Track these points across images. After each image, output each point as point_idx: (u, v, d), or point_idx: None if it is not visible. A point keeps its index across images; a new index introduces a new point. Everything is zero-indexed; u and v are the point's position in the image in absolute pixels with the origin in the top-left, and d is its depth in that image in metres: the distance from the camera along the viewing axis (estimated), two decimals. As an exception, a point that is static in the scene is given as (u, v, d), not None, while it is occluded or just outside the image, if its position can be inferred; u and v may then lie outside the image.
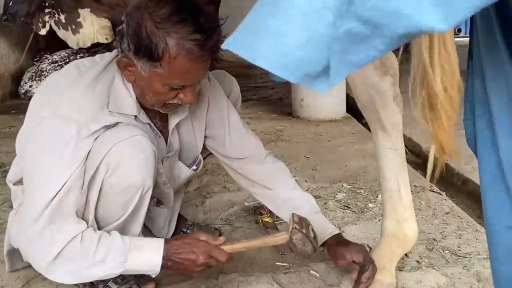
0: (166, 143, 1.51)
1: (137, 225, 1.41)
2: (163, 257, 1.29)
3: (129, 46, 1.25)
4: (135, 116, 1.37)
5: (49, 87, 1.38)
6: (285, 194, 1.59)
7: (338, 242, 1.47)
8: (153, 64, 1.24)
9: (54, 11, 4.25)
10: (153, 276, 1.35)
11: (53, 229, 1.25)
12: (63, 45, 4.54)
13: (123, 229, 1.38)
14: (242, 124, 1.63)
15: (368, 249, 1.69)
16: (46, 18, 4.26)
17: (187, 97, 1.32)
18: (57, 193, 1.24)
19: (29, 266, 1.62)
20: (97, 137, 1.27)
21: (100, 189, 1.29)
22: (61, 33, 4.37)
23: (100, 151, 1.26)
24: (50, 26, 4.28)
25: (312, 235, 1.39)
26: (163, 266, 1.30)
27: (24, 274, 1.61)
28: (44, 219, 1.24)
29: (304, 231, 1.37)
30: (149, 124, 1.42)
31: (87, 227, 1.29)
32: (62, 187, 1.24)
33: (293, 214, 1.41)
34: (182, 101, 1.34)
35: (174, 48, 1.21)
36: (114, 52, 1.40)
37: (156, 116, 1.45)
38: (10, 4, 4.17)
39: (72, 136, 1.25)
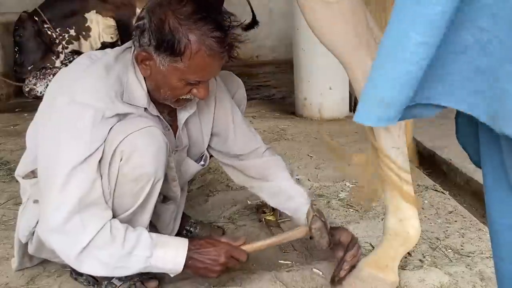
0: (175, 138, 1.53)
1: (145, 219, 1.42)
2: (187, 255, 1.33)
3: (150, 40, 1.29)
4: (145, 109, 1.40)
5: (63, 76, 1.41)
6: (279, 185, 1.64)
7: None
8: (173, 59, 1.28)
9: (61, 36, 4.34)
10: (172, 275, 1.37)
11: (83, 216, 1.26)
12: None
13: (130, 221, 1.39)
14: (245, 122, 1.68)
15: (370, 247, 1.70)
16: (59, 48, 4.36)
17: (201, 93, 1.37)
18: (74, 168, 1.24)
19: (35, 265, 1.64)
20: (112, 127, 1.30)
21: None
22: (77, 44, 4.47)
23: (114, 140, 1.29)
24: (65, 53, 4.39)
25: (328, 227, 1.44)
26: (185, 265, 1.33)
27: (28, 272, 1.62)
28: (72, 206, 1.24)
29: (323, 219, 1.43)
30: (158, 117, 1.45)
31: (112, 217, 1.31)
32: (82, 162, 1.25)
33: (311, 204, 1.47)
34: (196, 96, 1.38)
35: (196, 44, 1.26)
36: (125, 45, 1.44)
37: (165, 110, 1.48)
38: (17, 56, 4.29)
39: (89, 121, 1.27)
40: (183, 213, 1.81)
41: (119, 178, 1.31)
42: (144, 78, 1.38)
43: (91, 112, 1.28)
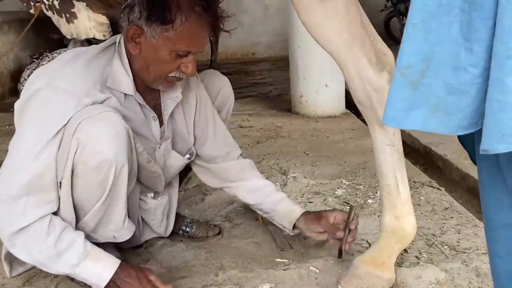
0: (160, 128, 1.54)
1: (119, 212, 1.41)
2: (111, 277, 1.33)
3: (141, 12, 1.33)
4: (126, 95, 1.42)
5: (44, 67, 1.43)
6: (256, 183, 1.71)
7: (310, 215, 1.61)
8: (165, 28, 1.32)
9: None
10: None
11: (29, 200, 1.27)
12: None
13: (104, 215, 1.38)
14: (224, 125, 1.72)
15: (367, 245, 1.70)
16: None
17: (189, 68, 1.40)
18: (36, 155, 1.26)
19: (30, 269, 1.63)
20: (73, 114, 1.30)
21: (73, 170, 1.30)
22: (55, 18, 4.39)
23: (70, 129, 1.28)
24: (41, 10, 4.31)
25: None
26: (106, 286, 1.33)
27: (25, 273, 1.61)
28: (22, 187, 1.26)
29: None
30: (144, 105, 1.47)
31: (58, 213, 1.33)
32: (43, 146, 1.27)
33: None
34: (184, 73, 1.41)
35: (186, 11, 1.32)
36: (109, 40, 1.46)
37: (151, 102, 1.50)
38: None
39: (62, 107, 1.29)
40: (178, 213, 1.81)
41: (80, 169, 1.29)
42: (130, 64, 1.40)
43: (66, 98, 1.29)
